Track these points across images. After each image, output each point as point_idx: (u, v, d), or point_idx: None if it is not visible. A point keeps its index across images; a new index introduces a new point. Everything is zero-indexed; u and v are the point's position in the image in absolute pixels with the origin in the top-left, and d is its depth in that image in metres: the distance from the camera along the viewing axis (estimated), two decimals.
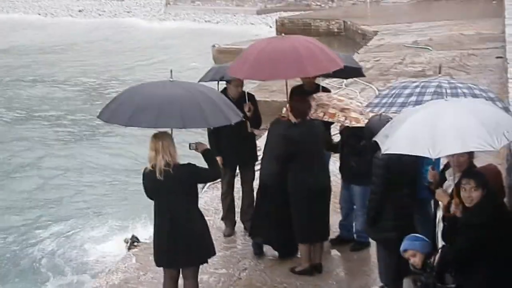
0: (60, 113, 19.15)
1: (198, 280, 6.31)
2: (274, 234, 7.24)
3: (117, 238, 10.20)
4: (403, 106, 5.71)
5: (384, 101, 6.02)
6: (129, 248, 8.57)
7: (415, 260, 5.42)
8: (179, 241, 5.95)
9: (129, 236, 9.25)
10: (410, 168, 6.02)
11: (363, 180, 7.07)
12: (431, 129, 4.73)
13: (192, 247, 6.00)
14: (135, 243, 8.66)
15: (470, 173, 5.06)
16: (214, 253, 6.31)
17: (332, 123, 7.38)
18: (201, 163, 6.09)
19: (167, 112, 5.68)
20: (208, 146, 6.34)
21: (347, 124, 7.05)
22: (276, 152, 6.99)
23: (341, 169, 7.53)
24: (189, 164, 5.99)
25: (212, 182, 9.74)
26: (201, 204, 8.00)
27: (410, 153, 4.93)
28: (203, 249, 6.15)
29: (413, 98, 5.75)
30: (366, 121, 6.82)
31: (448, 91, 5.66)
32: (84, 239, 10.86)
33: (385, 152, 5.02)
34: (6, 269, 10.20)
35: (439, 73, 6.47)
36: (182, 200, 5.95)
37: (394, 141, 4.92)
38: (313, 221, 6.94)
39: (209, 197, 9.18)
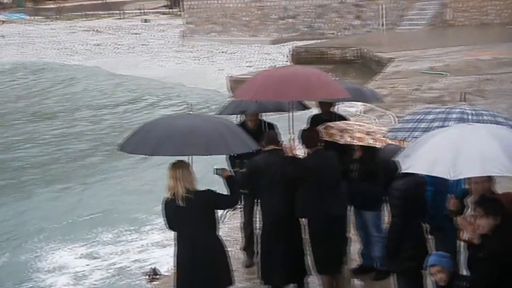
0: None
1: None
2: (288, 273, 7.04)
3: (137, 271, 10.16)
4: (426, 131, 5.67)
5: (406, 126, 6.00)
6: (150, 281, 8.54)
7: (442, 276, 5.33)
8: (200, 269, 6.00)
9: (150, 268, 9.21)
10: (422, 197, 6.00)
11: (375, 205, 7.08)
12: (453, 151, 4.71)
13: (212, 276, 6.05)
14: (156, 276, 8.63)
15: (480, 200, 5.02)
16: (233, 283, 6.32)
17: (346, 151, 7.34)
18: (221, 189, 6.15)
19: (190, 141, 5.86)
20: (232, 173, 6.43)
21: (377, 145, 7.02)
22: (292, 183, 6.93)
23: (352, 196, 7.46)
24: (208, 190, 6.09)
25: (232, 212, 9.79)
26: (221, 234, 7.95)
27: (430, 173, 4.90)
28: (223, 278, 6.18)
29: (436, 124, 5.73)
30: (371, 141, 6.87)
31: (472, 117, 5.63)
32: (106, 271, 10.80)
33: (405, 171, 5.01)
34: None
35: (463, 100, 6.46)
36: (202, 227, 6.02)
37: (415, 160, 4.90)
38: (329, 252, 6.87)
39: (229, 227, 9.15)
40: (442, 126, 5.59)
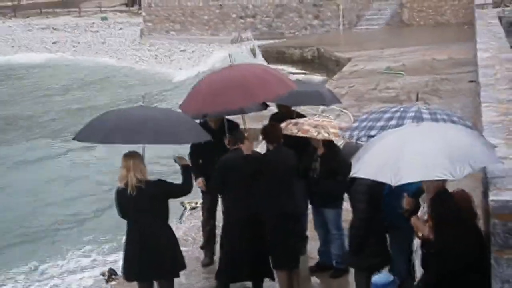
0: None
1: None
2: (251, 270, 7.07)
3: (94, 271, 10.07)
4: (383, 129, 5.72)
5: (362, 125, 6.04)
6: (106, 281, 8.47)
7: None
8: (149, 255, 6.21)
9: (107, 269, 9.14)
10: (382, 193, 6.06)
11: (335, 203, 7.16)
12: (396, 156, 4.74)
13: (162, 260, 6.26)
14: (113, 276, 8.56)
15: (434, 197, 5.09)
16: (184, 267, 6.53)
17: (305, 149, 7.38)
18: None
19: (139, 130, 6.09)
20: (189, 163, 6.58)
21: (320, 137, 7.07)
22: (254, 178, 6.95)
23: (310, 194, 7.50)
24: (159, 180, 6.36)
25: (190, 211, 9.78)
26: (180, 234, 7.96)
27: (374, 179, 4.94)
28: (173, 263, 6.38)
29: (393, 122, 5.77)
30: (321, 134, 6.98)
31: (427, 116, 5.70)
32: (59, 271, 10.66)
33: (353, 175, 5.04)
34: None
35: (417, 100, 6.54)
36: (152, 215, 6.23)
37: (362, 165, 4.94)
38: (284, 248, 6.91)
39: (187, 227, 9.13)
40: (398, 125, 5.64)
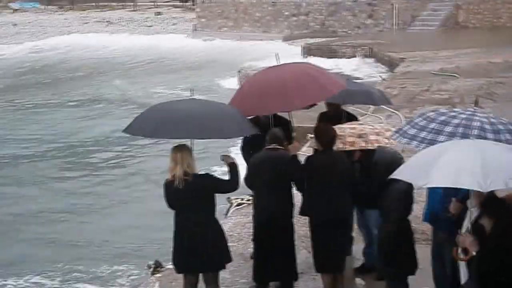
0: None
1: None
2: (277, 271, 7.02)
3: (139, 263, 10.15)
4: (451, 136, 5.65)
5: (422, 132, 5.92)
6: (152, 273, 8.55)
7: None
8: (195, 247, 6.30)
9: (152, 261, 9.20)
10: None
11: (376, 204, 7.07)
12: (434, 161, 4.85)
13: (207, 253, 6.32)
14: (158, 268, 8.63)
15: (485, 200, 5.04)
16: (231, 260, 6.60)
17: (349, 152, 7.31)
18: None
19: (185, 125, 6.20)
20: (235, 160, 6.61)
21: (369, 147, 7.00)
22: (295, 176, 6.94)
23: (354, 195, 7.44)
24: (207, 174, 6.47)
25: (236, 207, 9.81)
26: (225, 229, 7.96)
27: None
28: (219, 255, 6.44)
29: (460, 130, 5.70)
30: (386, 140, 6.87)
31: (491, 135, 5.60)
32: (105, 261, 10.78)
33: (427, 186, 5.21)
34: None
35: (475, 105, 6.43)
36: (198, 209, 6.31)
37: (435, 174, 4.91)
38: (331, 251, 6.87)
39: (233, 223, 9.15)
40: (465, 134, 5.57)
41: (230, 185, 6.48)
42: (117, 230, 12.02)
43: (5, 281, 10.39)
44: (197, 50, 34.00)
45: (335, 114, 7.78)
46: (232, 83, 22.33)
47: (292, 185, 6.99)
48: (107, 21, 47.12)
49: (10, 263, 10.98)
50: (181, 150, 6.29)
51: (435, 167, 4.77)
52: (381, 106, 13.57)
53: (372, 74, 22.78)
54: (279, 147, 6.89)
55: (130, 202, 13.48)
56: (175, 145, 6.34)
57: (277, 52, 7.61)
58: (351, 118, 8.00)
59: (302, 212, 7.06)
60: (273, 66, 7.27)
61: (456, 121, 5.82)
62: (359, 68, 24.27)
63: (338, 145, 7.01)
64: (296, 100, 6.90)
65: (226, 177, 6.49)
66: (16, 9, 55.89)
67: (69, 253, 11.19)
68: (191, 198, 6.26)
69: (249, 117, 6.95)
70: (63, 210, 13.30)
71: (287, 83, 6.91)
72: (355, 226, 7.65)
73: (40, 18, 50.32)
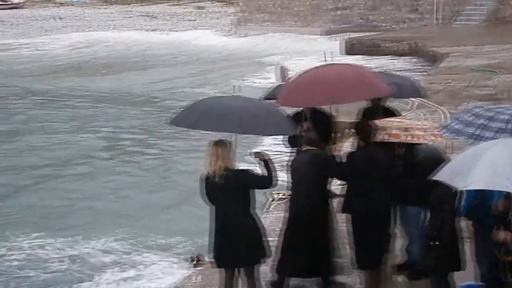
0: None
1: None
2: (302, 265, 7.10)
3: (179, 255, 10.23)
4: (499, 132, 5.61)
5: (471, 127, 5.88)
6: (194, 266, 8.63)
7: None
8: (232, 242, 6.39)
9: (192, 254, 9.28)
10: None
11: (417, 201, 7.02)
12: (473, 163, 4.90)
13: (243, 248, 6.40)
14: (200, 261, 8.71)
15: None
16: (268, 255, 6.65)
17: (388, 147, 7.30)
18: None
19: (227, 119, 6.32)
20: (269, 157, 6.66)
21: (414, 141, 6.98)
22: (337, 172, 6.97)
23: (396, 191, 7.40)
24: (246, 170, 6.53)
25: (277, 202, 9.84)
26: (266, 224, 8.01)
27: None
28: (255, 250, 6.49)
29: (510, 126, 5.67)
30: (432, 137, 6.80)
31: None
32: (143, 255, 10.85)
33: (467, 188, 5.15)
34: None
35: None
36: (236, 204, 6.37)
37: (478, 175, 4.96)
38: (371, 248, 6.89)
39: (274, 217, 9.18)
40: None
41: (265, 181, 6.53)
42: (158, 222, 12.10)
43: (76, 244, 10.93)
44: (234, 46, 33.98)
45: (377, 109, 7.77)
46: (268, 79, 22.33)
47: (328, 182, 7.04)
48: (150, 16, 47.53)
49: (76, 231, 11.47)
50: (221, 145, 6.34)
51: (474, 168, 4.80)
52: (425, 101, 13.48)
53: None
54: (312, 148, 6.95)
55: (172, 194, 13.57)
56: (215, 140, 6.40)
57: (322, 50, 7.67)
58: (390, 113, 7.95)
59: (343, 209, 7.08)
60: (325, 64, 7.37)
61: (503, 117, 5.78)
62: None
63: (383, 137, 7.02)
64: (344, 95, 6.98)
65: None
66: (62, 3, 56.75)
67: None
68: (230, 193, 6.32)
69: (294, 113, 7.05)
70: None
71: (338, 79, 7.01)
72: (397, 223, 7.61)
73: (85, 12, 51.00)
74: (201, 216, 11.00)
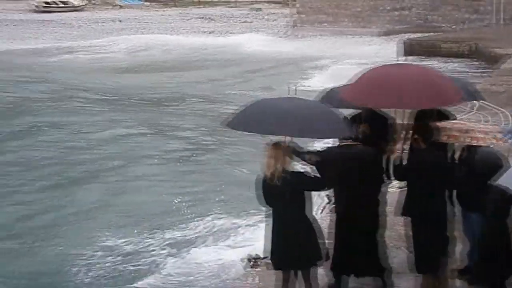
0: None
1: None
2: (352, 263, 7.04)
3: (234, 255, 10.24)
4: None
5: None
6: (251, 267, 8.64)
7: None
8: (290, 244, 6.40)
9: (247, 254, 9.27)
10: None
11: (478, 206, 6.86)
12: None
13: (299, 251, 6.42)
14: (258, 262, 8.71)
15: None
16: (321, 258, 6.60)
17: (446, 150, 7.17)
18: None
19: (284, 122, 6.26)
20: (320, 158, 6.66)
21: (474, 144, 6.84)
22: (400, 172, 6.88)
23: (458, 196, 7.28)
24: (302, 172, 6.57)
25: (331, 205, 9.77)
26: (323, 226, 7.95)
27: None
28: (309, 253, 6.50)
29: None
30: (493, 141, 6.68)
31: None
32: (201, 252, 10.90)
33: None
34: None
35: None
36: (293, 206, 6.39)
37: None
38: (429, 251, 6.79)
39: (331, 219, 9.11)
40: None
41: (321, 184, 6.56)
42: (215, 220, 12.16)
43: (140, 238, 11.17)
44: (289, 49, 33.91)
45: (431, 113, 7.61)
46: (318, 82, 22.25)
47: (380, 182, 6.96)
48: (208, 18, 47.95)
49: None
50: (279, 146, 6.35)
51: None
52: (486, 103, 13.18)
53: None
54: (351, 143, 6.85)
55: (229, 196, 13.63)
56: (273, 142, 6.40)
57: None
58: (444, 117, 7.76)
59: (403, 212, 6.99)
60: (394, 64, 7.25)
61: None
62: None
63: (442, 138, 6.90)
64: (410, 100, 6.76)
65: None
66: (122, 6, 57.76)
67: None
68: (288, 195, 6.33)
69: (352, 115, 6.97)
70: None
71: (404, 82, 6.81)
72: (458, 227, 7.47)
73: (144, 14, 51.80)
74: (258, 217, 11.08)
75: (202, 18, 48.25)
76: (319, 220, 7.29)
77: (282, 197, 6.33)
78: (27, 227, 12.05)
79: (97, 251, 10.83)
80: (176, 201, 13.31)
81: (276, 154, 6.31)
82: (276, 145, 6.37)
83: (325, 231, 7.35)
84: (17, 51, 35.79)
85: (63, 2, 55.63)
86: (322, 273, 7.04)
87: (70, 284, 9.93)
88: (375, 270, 7.04)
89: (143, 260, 10.74)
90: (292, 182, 6.30)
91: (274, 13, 48.13)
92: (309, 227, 6.52)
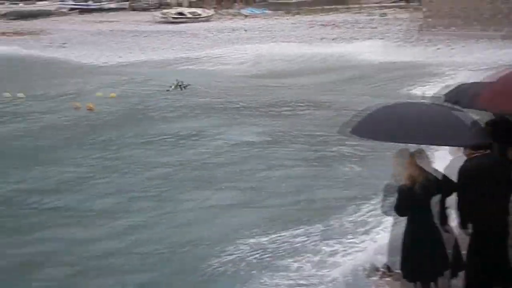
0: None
1: None
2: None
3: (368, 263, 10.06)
4: None
5: None
6: (381, 277, 8.47)
7: None
8: (427, 254, 6.29)
9: (382, 263, 9.09)
10: None
11: None
12: None
13: (429, 261, 6.30)
14: (390, 272, 8.52)
15: None
16: (448, 268, 6.45)
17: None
18: None
19: (418, 129, 6.06)
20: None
21: None
22: None
23: None
24: (435, 177, 6.39)
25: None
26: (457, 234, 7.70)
27: None
28: (438, 262, 6.36)
29: None
30: None
31: None
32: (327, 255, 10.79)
33: None
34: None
35: None
36: (430, 213, 6.32)
37: None
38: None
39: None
40: None
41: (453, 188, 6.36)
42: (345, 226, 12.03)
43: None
44: (410, 56, 33.24)
45: None
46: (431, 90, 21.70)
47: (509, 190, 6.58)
48: (332, 24, 47.91)
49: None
50: (423, 155, 6.32)
51: None
52: None
53: None
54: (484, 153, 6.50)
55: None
56: (414, 150, 6.32)
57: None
58: None
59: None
60: None
61: None
62: None
63: None
64: None
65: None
66: (247, 15, 58.76)
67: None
68: (426, 203, 6.27)
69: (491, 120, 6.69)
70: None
71: None
72: None
73: (269, 23, 52.43)
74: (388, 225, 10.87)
75: (326, 25, 48.22)
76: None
77: (423, 205, 6.27)
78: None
79: (240, 247, 10.94)
80: (305, 205, 13.34)
81: (417, 163, 6.25)
82: (416, 152, 6.30)
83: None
84: (148, 62, 37.09)
85: (191, 13, 57.38)
86: (455, 284, 6.81)
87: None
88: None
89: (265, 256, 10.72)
90: (431, 189, 6.23)
91: (399, 18, 47.36)
92: (441, 235, 6.43)
